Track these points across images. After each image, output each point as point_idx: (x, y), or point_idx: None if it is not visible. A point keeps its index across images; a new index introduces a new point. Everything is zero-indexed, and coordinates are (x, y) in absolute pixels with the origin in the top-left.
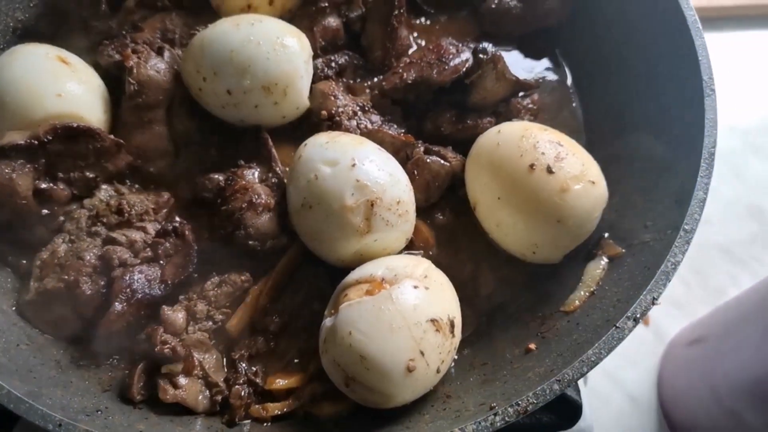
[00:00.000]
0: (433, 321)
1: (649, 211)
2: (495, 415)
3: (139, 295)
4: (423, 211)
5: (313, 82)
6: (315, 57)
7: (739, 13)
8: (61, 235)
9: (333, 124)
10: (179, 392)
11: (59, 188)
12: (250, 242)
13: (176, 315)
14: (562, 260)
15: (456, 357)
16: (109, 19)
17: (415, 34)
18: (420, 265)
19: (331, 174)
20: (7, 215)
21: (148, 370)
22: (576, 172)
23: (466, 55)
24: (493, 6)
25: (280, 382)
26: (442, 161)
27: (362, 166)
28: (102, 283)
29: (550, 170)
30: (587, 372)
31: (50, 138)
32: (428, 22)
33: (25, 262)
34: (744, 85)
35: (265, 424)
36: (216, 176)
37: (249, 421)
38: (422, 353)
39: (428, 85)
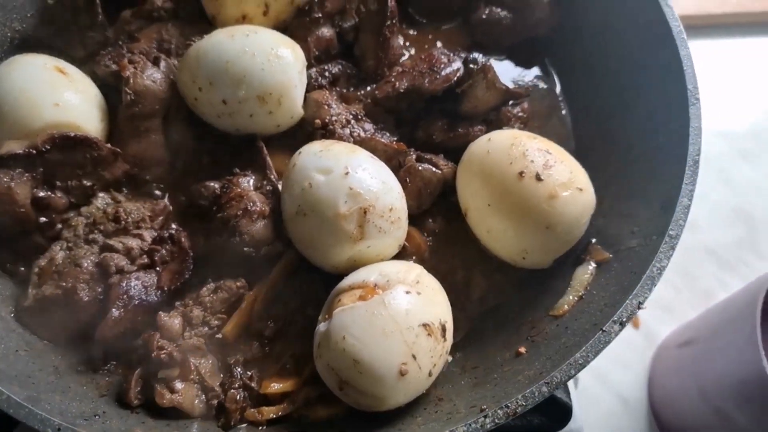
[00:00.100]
0: (425, 325)
1: (636, 217)
2: (485, 417)
3: (136, 302)
4: (415, 217)
5: (307, 91)
6: (309, 66)
7: (727, 20)
8: (59, 243)
9: (327, 132)
10: (176, 397)
11: (57, 196)
12: (246, 249)
13: (173, 321)
14: (552, 265)
15: (448, 360)
16: (106, 30)
17: (408, 44)
18: (412, 271)
19: (324, 182)
20: (6, 223)
21: (145, 375)
22: (564, 179)
23: (458, 64)
24: (484, 16)
25: (275, 386)
26: (434, 169)
27: (355, 174)
28: (99, 289)
29: (539, 178)
30: (575, 374)
31: (48, 147)
32: (420, 33)
33: (23, 269)
34: (732, 92)
35: (260, 428)
36: (212, 184)
37: (245, 424)
38: (414, 357)
39: (420, 93)
